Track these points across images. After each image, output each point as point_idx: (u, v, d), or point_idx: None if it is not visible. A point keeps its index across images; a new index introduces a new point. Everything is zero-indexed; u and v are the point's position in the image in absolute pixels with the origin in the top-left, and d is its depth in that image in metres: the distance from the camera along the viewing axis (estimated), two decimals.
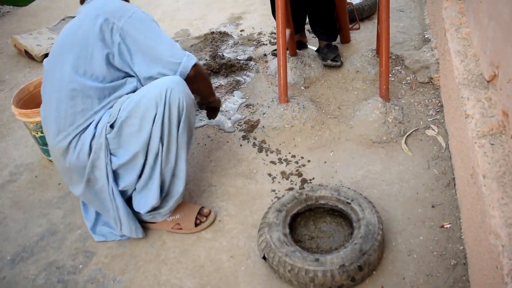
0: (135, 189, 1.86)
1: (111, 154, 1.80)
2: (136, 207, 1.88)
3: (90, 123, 1.80)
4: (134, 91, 1.82)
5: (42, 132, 2.33)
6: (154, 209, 1.88)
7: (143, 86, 1.80)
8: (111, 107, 1.81)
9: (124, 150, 1.78)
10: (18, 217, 2.19)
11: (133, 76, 1.84)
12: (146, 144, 1.75)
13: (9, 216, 2.21)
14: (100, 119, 1.79)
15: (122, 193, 1.87)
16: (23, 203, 2.28)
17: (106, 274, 1.85)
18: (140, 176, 1.82)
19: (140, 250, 1.93)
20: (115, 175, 1.84)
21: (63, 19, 4.07)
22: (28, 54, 3.64)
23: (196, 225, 1.94)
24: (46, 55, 3.60)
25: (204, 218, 1.96)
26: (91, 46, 1.74)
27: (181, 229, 1.94)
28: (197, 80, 1.87)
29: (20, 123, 2.85)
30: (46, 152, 2.43)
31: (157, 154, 1.77)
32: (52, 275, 1.89)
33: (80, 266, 1.90)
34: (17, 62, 3.71)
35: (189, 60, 1.81)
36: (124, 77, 1.84)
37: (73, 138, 1.79)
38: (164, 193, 1.86)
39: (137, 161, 1.79)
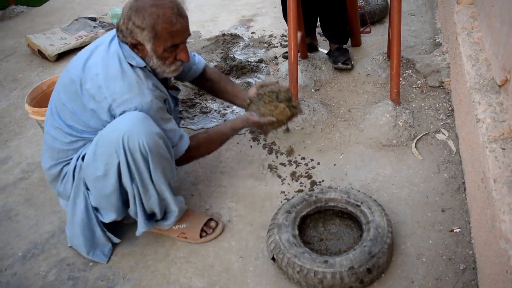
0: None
1: (87, 189, 1.81)
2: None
3: (74, 155, 1.82)
4: None
5: None
6: (157, 221, 1.90)
7: None
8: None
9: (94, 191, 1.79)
10: (29, 214, 2.22)
11: None
12: (116, 186, 1.71)
13: (21, 213, 2.24)
14: (82, 151, 1.80)
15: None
16: (34, 200, 2.30)
17: (116, 272, 1.87)
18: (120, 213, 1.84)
19: (149, 249, 1.94)
20: (97, 209, 1.85)
21: (76, 20, 4.11)
22: (41, 54, 3.68)
23: (201, 236, 1.93)
24: (59, 55, 3.64)
25: (211, 230, 1.94)
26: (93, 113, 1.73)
27: (186, 238, 1.94)
28: (194, 155, 1.95)
29: (33, 122, 2.88)
30: None
31: (134, 195, 1.74)
32: (63, 272, 1.91)
33: (90, 264, 1.92)
34: (30, 62, 3.75)
35: (181, 145, 1.83)
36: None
37: (63, 167, 1.84)
38: (161, 214, 1.86)
39: (112, 201, 1.77)
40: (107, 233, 1.92)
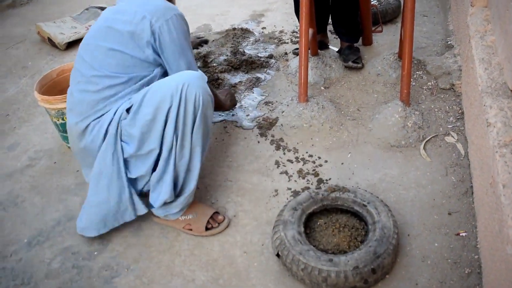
0: (148, 182, 1.87)
1: (122, 141, 1.82)
2: (151, 200, 1.90)
3: (110, 109, 1.83)
4: None
5: (63, 119, 2.36)
6: (166, 204, 1.89)
7: None
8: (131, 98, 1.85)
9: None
10: (36, 201, 2.23)
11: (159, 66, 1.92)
12: (159, 135, 1.76)
13: (27, 199, 2.24)
14: (120, 105, 1.83)
15: (134, 183, 1.89)
16: (41, 188, 2.31)
17: (120, 262, 1.88)
18: (154, 169, 1.83)
19: (154, 240, 1.95)
20: (127, 163, 1.85)
21: (87, 9, 4.10)
22: (51, 42, 3.69)
23: (207, 229, 1.94)
24: (68, 44, 3.64)
25: (217, 224, 1.94)
26: (131, 38, 1.84)
27: (191, 229, 1.94)
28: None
29: (41, 109, 2.88)
30: (66, 139, 2.45)
31: (171, 148, 1.78)
32: (67, 260, 1.91)
33: (95, 253, 1.93)
34: (40, 49, 3.76)
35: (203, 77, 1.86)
36: (151, 71, 1.90)
37: (92, 121, 1.84)
38: (178, 189, 1.87)
39: (149, 152, 1.80)
40: (134, 196, 1.88)
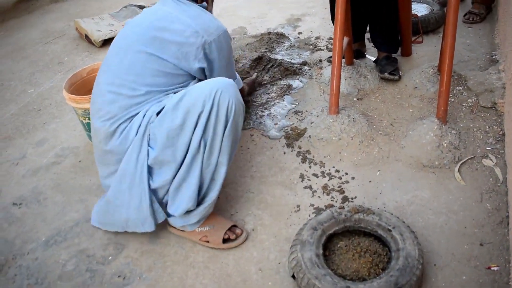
0: (167, 192, 1.82)
1: (149, 146, 1.78)
2: (170, 209, 1.84)
3: (140, 111, 1.80)
4: None
5: (89, 119, 2.35)
6: (186, 212, 1.83)
7: None
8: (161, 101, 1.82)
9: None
10: (57, 200, 2.23)
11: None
12: (187, 141, 1.71)
13: (49, 197, 2.25)
14: (150, 108, 1.80)
15: (155, 193, 1.83)
16: (64, 186, 2.31)
17: (133, 269, 1.84)
18: (174, 175, 1.78)
19: (170, 249, 1.90)
20: (151, 171, 1.80)
21: (125, 7, 4.13)
22: (88, 39, 3.72)
23: (224, 241, 1.87)
24: (104, 41, 3.66)
25: (234, 236, 1.88)
26: (178, 50, 1.83)
27: (208, 241, 1.88)
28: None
29: (70, 107, 2.90)
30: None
31: (195, 154, 1.73)
32: (82, 262, 1.89)
33: (110, 258, 1.90)
34: (77, 46, 3.80)
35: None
36: (186, 81, 1.89)
37: (121, 123, 1.80)
38: (199, 197, 1.81)
39: (174, 158, 1.75)
40: (155, 204, 1.83)
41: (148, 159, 1.77)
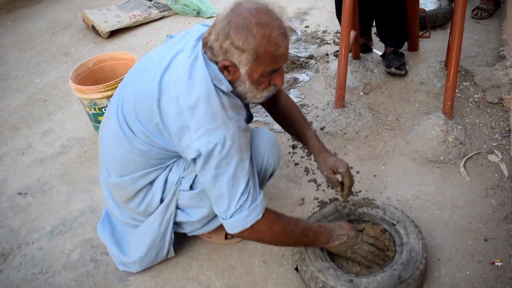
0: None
1: (178, 208, 1.67)
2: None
3: (159, 176, 1.64)
4: None
5: (95, 110, 2.36)
6: None
7: None
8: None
9: (199, 210, 1.65)
10: (63, 190, 2.24)
11: None
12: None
13: (55, 187, 2.26)
14: (169, 174, 1.64)
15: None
16: (69, 176, 2.32)
17: None
18: None
19: (174, 241, 1.90)
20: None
21: None
22: (94, 30, 3.72)
23: (226, 237, 1.86)
24: (111, 32, 3.66)
25: None
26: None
27: (210, 237, 1.88)
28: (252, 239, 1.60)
29: (77, 97, 2.90)
30: (97, 129, 2.46)
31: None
32: (86, 252, 1.91)
33: None
34: (84, 36, 3.80)
35: (245, 219, 1.45)
36: None
37: (142, 188, 1.64)
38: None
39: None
40: (171, 249, 1.78)
41: (176, 218, 1.69)
